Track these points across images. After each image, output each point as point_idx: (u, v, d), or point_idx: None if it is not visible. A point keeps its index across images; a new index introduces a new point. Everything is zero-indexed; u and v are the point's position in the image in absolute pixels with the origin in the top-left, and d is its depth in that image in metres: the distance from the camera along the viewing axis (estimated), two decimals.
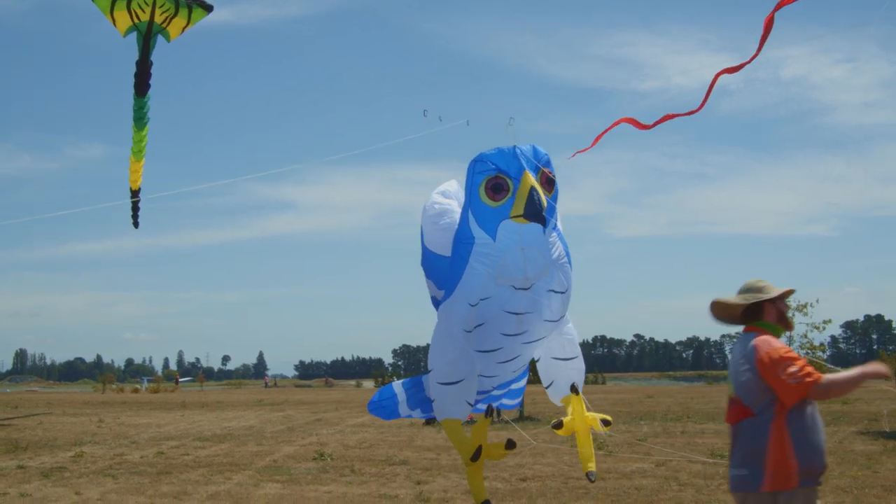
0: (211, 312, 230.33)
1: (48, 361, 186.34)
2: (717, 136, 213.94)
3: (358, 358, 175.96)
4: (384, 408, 8.54)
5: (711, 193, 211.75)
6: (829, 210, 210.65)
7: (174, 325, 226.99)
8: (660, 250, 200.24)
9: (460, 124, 8.00)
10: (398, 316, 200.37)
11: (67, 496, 9.92)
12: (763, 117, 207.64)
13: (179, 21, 7.02)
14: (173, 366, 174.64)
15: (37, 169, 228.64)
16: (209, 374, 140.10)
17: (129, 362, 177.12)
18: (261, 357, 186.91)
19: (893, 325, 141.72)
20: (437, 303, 7.68)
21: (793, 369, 4.18)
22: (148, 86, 6.95)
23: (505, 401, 8.54)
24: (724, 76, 6.33)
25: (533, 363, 8.14)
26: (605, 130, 7.26)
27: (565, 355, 7.61)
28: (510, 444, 7.02)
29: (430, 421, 7.94)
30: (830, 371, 4.91)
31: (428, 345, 7.82)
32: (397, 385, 8.61)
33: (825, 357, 31.31)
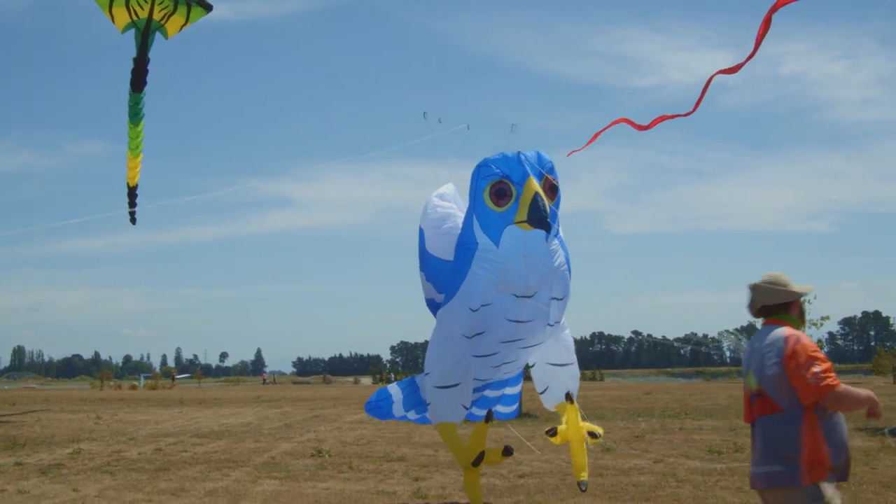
0: (209, 309, 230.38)
1: (46, 358, 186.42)
2: (716, 133, 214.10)
3: (356, 355, 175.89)
4: (380, 408, 8.62)
5: (710, 190, 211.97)
6: (827, 206, 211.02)
7: (172, 322, 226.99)
8: (658, 246, 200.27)
9: (461, 129, 8.03)
10: (396, 313, 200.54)
11: (65, 493, 9.91)
12: (762, 114, 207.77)
13: (178, 19, 6.99)
14: (171, 362, 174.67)
15: (36, 165, 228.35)
16: (207, 371, 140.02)
17: (127, 359, 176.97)
18: (259, 354, 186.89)
19: (891, 322, 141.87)
20: (433, 305, 7.68)
21: (816, 370, 4.21)
22: (145, 82, 6.93)
23: (500, 408, 8.54)
24: (721, 74, 6.31)
25: (527, 367, 8.14)
26: (602, 130, 7.26)
27: (561, 361, 7.62)
28: (507, 451, 7.02)
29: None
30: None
31: (426, 342, 7.82)
32: (393, 387, 8.66)
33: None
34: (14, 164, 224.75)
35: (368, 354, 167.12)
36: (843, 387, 4.22)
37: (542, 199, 6.43)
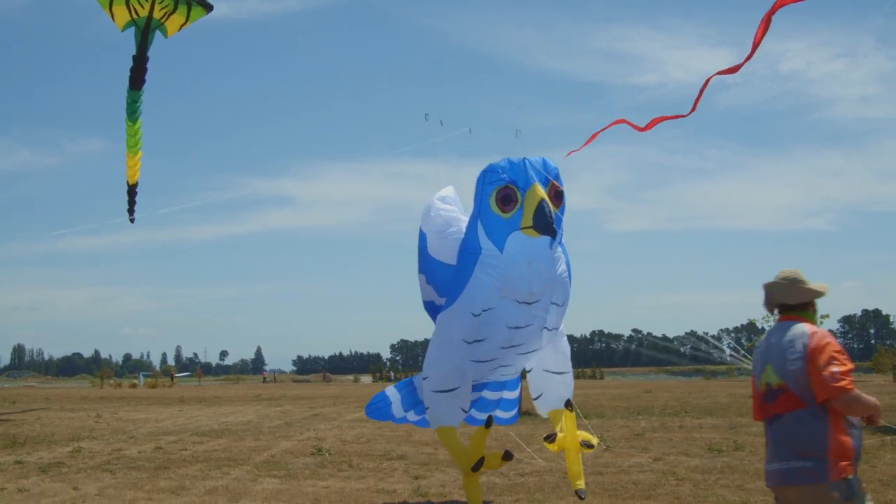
0: (209, 308, 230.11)
1: (46, 356, 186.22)
2: (716, 131, 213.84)
3: (356, 353, 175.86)
4: (379, 410, 8.68)
5: (710, 188, 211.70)
6: (827, 204, 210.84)
7: (172, 321, 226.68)
8: (658, 245, 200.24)
9: (463, 132, 8.04)
10: (396, 311, 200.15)
11: (65, 491, 9.91)
12: (761, 112, 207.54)
13: (178, 18, 6.99)
14: (171, 361, 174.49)
15: (36, 163, 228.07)
16: (207, 369, 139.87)
17: (127, 357, 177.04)
18: (259, 352, 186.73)
19: (891, 320, 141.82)
20: (431, 307, 7.68)
21: (835, 369, 4.22)
22: (143, 80, 6.92)
23: (499, 413, 8.54)
24: (719, 75, 6.32)
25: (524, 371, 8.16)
26: (600, 131, 7.27)
27: (557, 369, 7.63)
28: (507, 456, 7.03)
29: None
30: None
31: (426, 340, 7.82)
32: (390, 389, 8.72)
33: None
34: (14, 162, 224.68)
35: (368, 353, 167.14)
36: (856, 391, 4.22)
37: (548, 205, 6.43)
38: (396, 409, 8.51)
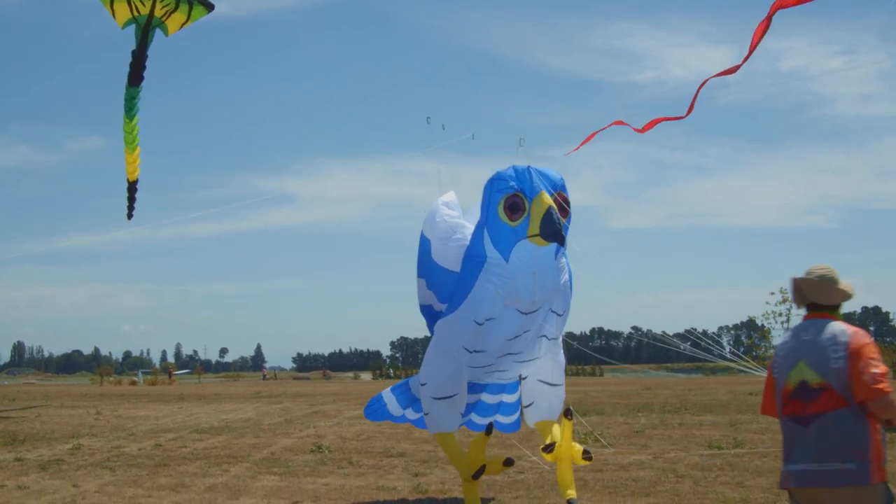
0: (209, 305, 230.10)
1: (46, 354, 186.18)
2: (716, 128, 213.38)
3: (356, 350, 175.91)
4: (375, 411, 8.77)
5: (710, 185, 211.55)
6: (827, 202, 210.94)
7: (172, 318, 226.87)
8: (658, 242, 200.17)
9: (466, 138, 8.04)
10: (396, 309, 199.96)
11: (65, 488, 9.92)
12: (761, 109, 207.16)
13: (179, 17, 6.98)
14: (171, 358, 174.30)
15: (35, 161, 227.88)
16: (207, 367, 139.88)
17: (127, 355, 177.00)
18: (259, 349, 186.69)
19: (891, 317, 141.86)
20: (429, 311, 7.69)
21: (875, 370, 4.20)
22: (142, 77, 6.91)
23: (500, 417, 8.53)
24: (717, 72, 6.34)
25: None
26: (598, 131, 7.28)
27: (552, 381, 7.63)
28: (508, 462, 7.03)
29: None
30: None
31: (426, 337, 7.82)
32: (386, 392, 8.78)
33: None
34: (13, 159, 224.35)
35: (368, 350, 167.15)
36: (892, 394, 4.19)
37: (556, 212, 6.42)
38: (394, 408, 8.57)
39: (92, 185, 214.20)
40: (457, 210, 7.78)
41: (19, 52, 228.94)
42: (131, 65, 6.86)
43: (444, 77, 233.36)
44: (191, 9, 6.94)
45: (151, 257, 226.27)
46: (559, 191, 6.71)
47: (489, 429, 7.14)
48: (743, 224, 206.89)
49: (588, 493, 8.99)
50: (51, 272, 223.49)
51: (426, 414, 7.46)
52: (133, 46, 6.97)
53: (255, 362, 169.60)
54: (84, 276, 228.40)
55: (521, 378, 7.82)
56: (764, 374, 7.17)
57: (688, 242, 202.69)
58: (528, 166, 6.69)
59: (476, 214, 7.08)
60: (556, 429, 7.47)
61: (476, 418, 8.51)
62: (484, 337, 6.79)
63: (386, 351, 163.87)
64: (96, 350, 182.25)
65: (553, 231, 6.36)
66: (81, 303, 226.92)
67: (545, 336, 7.04)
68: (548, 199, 6.45)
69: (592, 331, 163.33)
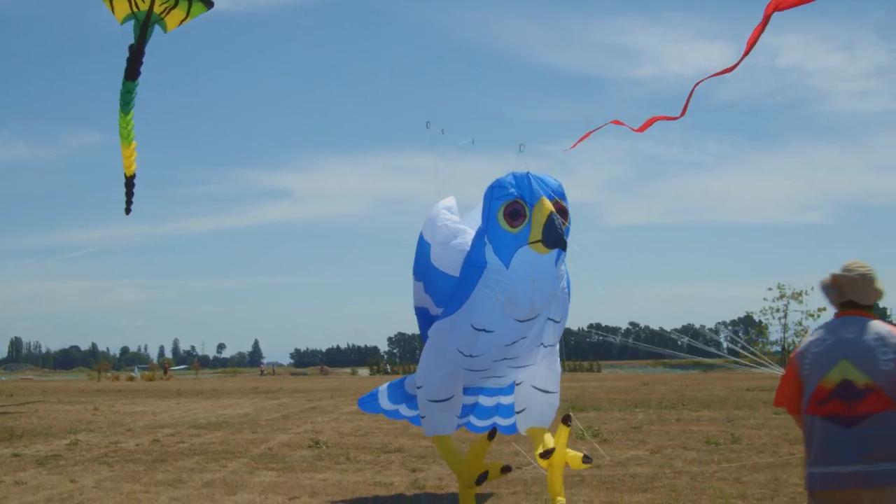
0: (206, 300, 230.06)
1: (43, 349, 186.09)
2: (713, 124, 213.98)
3: (353, 346, 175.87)
4: (367, 402, 8.83)
5: (707, 181, 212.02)
6: (824, 198, 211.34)
7: (169, 313, 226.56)
8: (656, 238, 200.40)
9: (466, 142, 8.03)
10: (394, 304, 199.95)
11: (62, 484, 9.91)
12: (759, 105, 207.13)
13: (178, 13, 6.97)
14: (169, 353, 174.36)
15: (33, 157, 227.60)
16: (204, 362, 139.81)
17: (125, 350, 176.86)
18: (256, 345, 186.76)
19: (888, 314, 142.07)
20: (423, 314, 7.68)
21: None
22: (139, 72, 6.90)
23: (498, 420, 8.52)
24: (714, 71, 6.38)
25: None
26: (593, 130, 7.27)
27: (546, 388, 7.61)
28: (506, 469, 7.01)
29: None
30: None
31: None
32: (382, 388, 8.84)
33: None
34: (11, 155, 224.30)
35: (366, 346, 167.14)
36: None
37: (558, 218, 6.40)
38: (384, 401, 8.65)
39: (90, 180, 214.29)
40: (457, 215, 7.78)
41: (18, 47, 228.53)
42: (128, 59, 6.85)
43: (443, 72, 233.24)
44: (190, 5, 6.93)
45: (149, 253, 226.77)
46: (557, 198, 6.68)
47: (492, 433, 7.09)
48: (740, 220, 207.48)
49: (585, 488, 9.00)
50: (48, 267, 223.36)
51: (422, 417, 7.47)
52: (132, 41, 6.96)
53: (253, 358, 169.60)
54: (81, 272, 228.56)
55: (516, 384, 7.81)
56: (768, 370, 7.16)
57: (686, 238, 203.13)
58: (528, 172, 6.66)
59: (475, 214, 7.07)
60: (549, 436, 7.47)
61: (475, 420, 8.52)
62: (480, 341, 6.77)
63: (383, 347, 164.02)
64: (94, 346, 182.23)
65: (556, 236, 6.33)
66: (79, 298, 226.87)
67: (542, 344, 7.03)
68: (548, 205, 6.41)
69: (590, 326, 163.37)
